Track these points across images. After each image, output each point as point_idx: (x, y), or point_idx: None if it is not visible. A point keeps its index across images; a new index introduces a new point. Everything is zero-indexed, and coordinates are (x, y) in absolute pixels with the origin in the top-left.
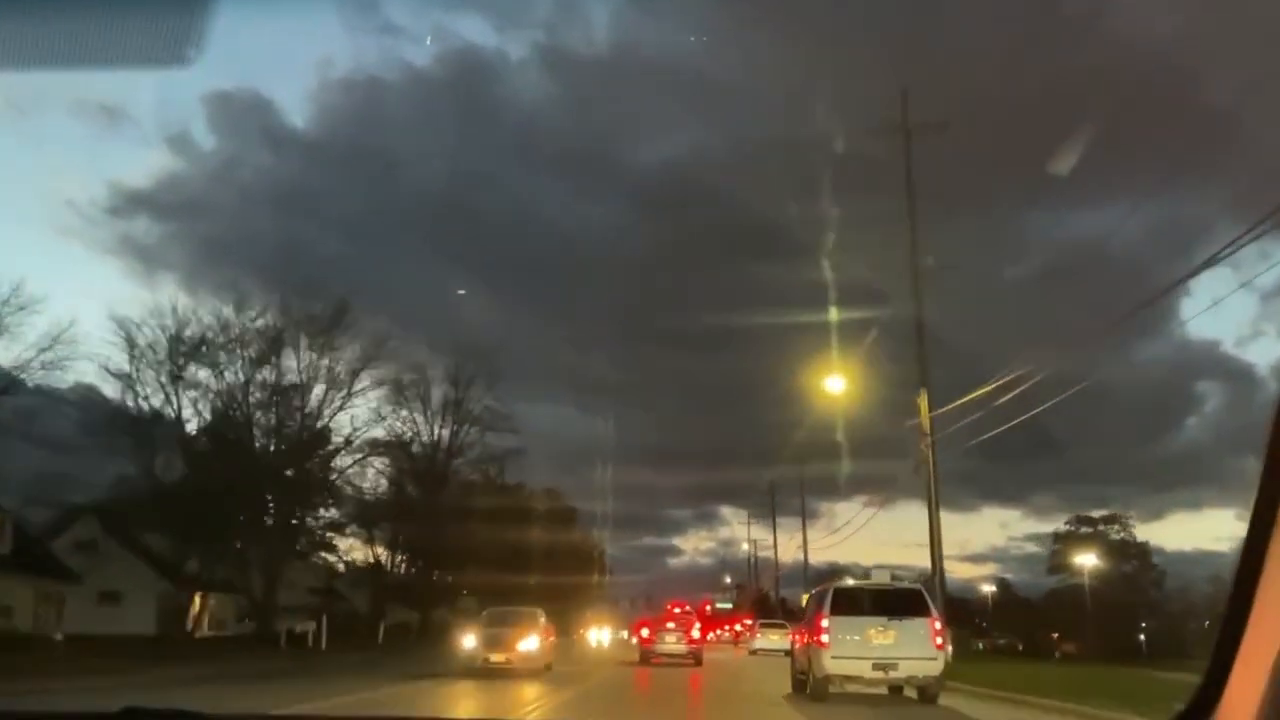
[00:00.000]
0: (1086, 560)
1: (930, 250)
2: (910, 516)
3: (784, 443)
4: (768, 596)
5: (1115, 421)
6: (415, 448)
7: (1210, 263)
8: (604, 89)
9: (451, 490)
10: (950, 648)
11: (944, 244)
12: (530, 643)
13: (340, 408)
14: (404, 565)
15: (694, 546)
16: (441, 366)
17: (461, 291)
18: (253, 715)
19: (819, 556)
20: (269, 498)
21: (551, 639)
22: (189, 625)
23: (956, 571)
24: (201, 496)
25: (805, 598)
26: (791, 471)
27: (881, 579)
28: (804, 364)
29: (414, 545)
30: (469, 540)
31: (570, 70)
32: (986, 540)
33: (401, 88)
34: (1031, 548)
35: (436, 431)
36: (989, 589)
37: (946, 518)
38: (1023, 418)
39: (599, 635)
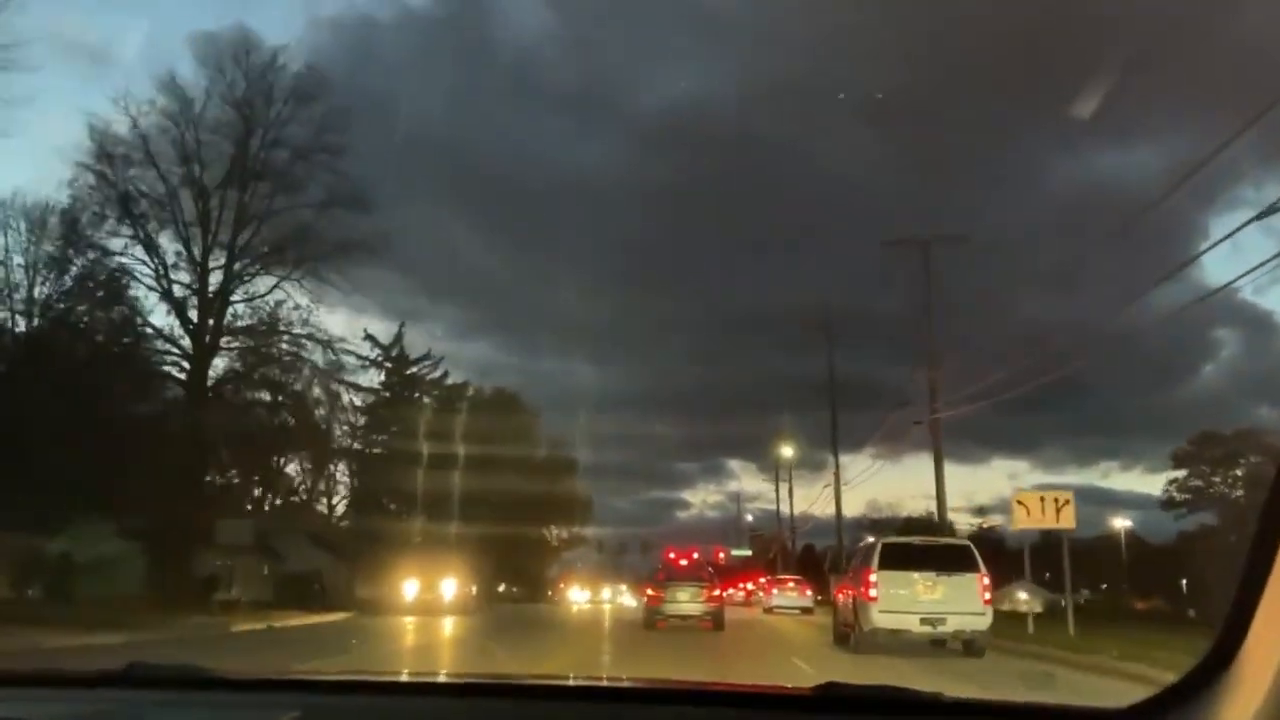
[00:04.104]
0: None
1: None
2: (918, 466)
3: (798, 392)
4: (786, 547)
5: (1127, 370)
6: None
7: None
8: (604, 27)
9: (251, 333)
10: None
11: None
12: None
13: None
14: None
15: (702, 500)
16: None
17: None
18: (266, 675)
19: (825, 509)
20: None
21: None
22: None
23: (963, 522)
24: None
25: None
26: (808, 419)
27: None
28: (814, 313)
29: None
30: (292, 436)
31: (569, 5)
32: (994, 491)
33: (395, 25)
34: None
35: (217, 210)
36: (1124, 523)
37: (954, 469)
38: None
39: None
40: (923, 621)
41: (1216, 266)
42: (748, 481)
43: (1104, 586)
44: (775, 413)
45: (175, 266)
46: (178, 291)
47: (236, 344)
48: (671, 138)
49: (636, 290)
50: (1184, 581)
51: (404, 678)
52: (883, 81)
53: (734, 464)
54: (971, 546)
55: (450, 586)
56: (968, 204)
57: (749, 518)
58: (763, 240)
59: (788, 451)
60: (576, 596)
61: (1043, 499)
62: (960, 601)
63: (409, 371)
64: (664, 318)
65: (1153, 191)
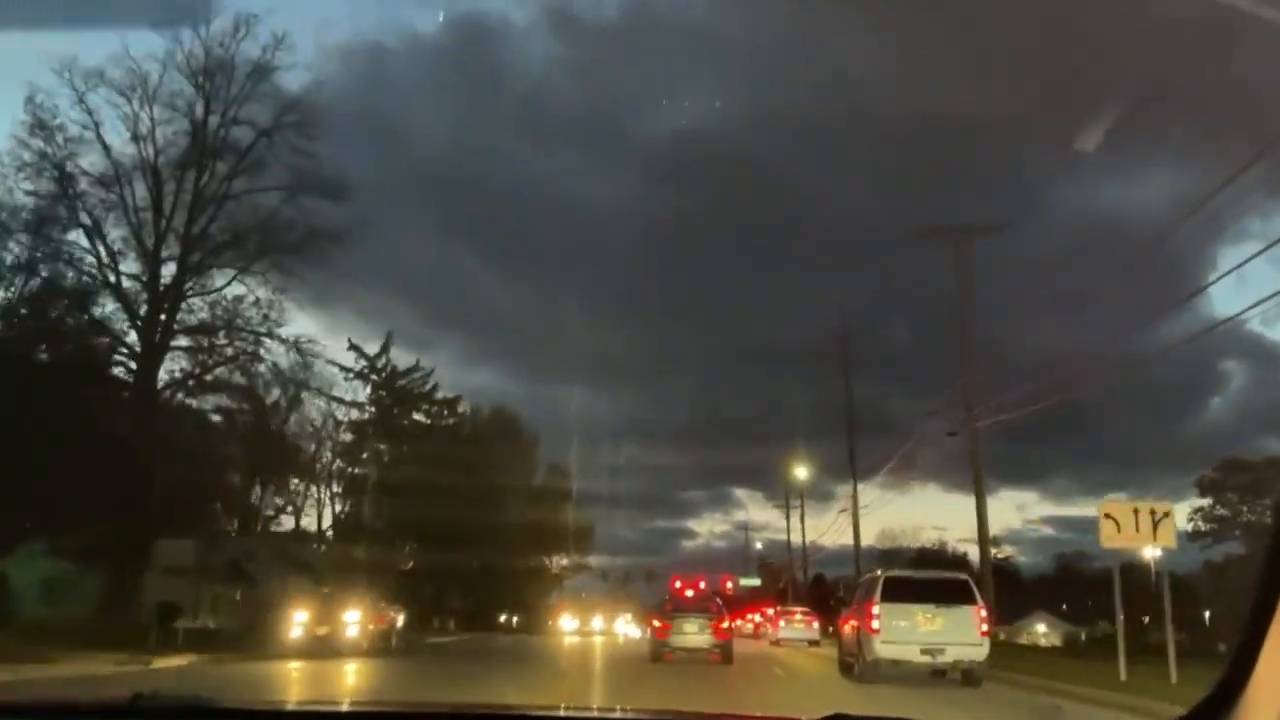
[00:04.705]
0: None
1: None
2: (927, 498)
3: (806, 420)
4: (796, 577)
5: (1136, 402)
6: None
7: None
8: (612, 54)
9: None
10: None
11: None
12: None
13: None
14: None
15: (709, 529)
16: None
17: None
18: (268, 706)
19: (835, 539)
20: None
21: None
22: None
23: (976, 553)
24: None
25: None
26: (815, 448)
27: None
28: (821, 344)
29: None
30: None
31: (578, 34)
32: (1003, 522)
33: (404, 54)
34: (1048, 530)
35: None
36: (1153, 553)
37: (961, 500)
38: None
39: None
40: (923, 652)
41: (1225, 298)
42: (755, 511)
43: (1121, 618)
44: (783, 441)
45: (122, 254)
46: (125, 284)
47: (190, 343)
48: (677, 166)
49: (642, 317)
50: (1207, 614)
51: (404, 708)
52: (890, 109)
53: (741, 493)
54: (969, 580)
55: (355, 618)
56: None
57: (758, 545)
58: (771, 268)
59: (802, 472)
60: (567, 626)
61: (1136, 511)
62: (959, 633)
63: (399, 384)
64: (670, 345)
65: (1159, 223)
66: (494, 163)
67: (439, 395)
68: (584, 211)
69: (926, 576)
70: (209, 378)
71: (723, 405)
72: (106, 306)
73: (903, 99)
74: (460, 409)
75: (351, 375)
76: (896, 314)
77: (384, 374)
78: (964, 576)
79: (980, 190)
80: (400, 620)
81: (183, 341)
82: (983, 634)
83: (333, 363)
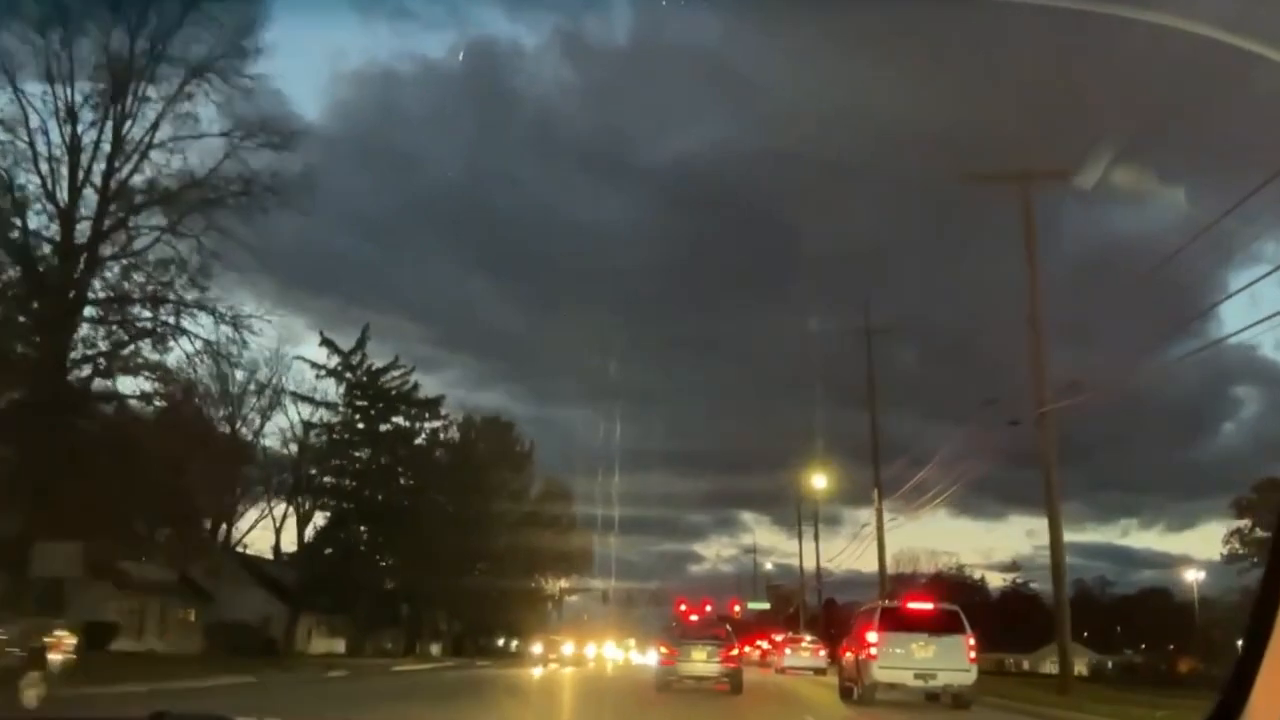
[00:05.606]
0: None
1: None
2: (937, 522)
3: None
4: (806, 602)
5: (1146, 427)
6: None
7: None
8: (622, 82)
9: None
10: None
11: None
12: None
13: None
14: None
15: (715, 553)
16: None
17: None
18: None
19: (842, 565)
20: None
21: None
22: None
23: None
24: None
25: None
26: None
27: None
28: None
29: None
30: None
31: (588, 62)
32: (1012, 548)
33: (416, 80)
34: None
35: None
36: (1195, 576)
37: (969, 525)
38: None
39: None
40: (916, 676)
41: (1236, 323)
42: (762, 535)
43: (1143, 646)
44: (792, 464)
45: (27, 207)
46: (30, 241)
47: (102, 314)
48: (689, 190)
49: (650, 340)
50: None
51: None
52: (901, 132)
53: (748, 516)
54: (960, 611)
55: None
56: (981, 252)
57: (768, 566)
58: (780, 290)
59: (820, 481)
60: (563, 652)
61: None
62: (949, 659)
63: (377, 383)
64: (678, 367)
65: (1168, 246)
66: (501, 187)
67: (419, 394)
68: (591, 235)
69: (921, 607)
70: (125, 352)
71: (731, 427)
72: (8, 269)
73: (913, 122)
74: (444, 412)
75: (324, 373)
76: (904, 342)
77: (359, 372)
78: (955, 607)
79: (988, 211)
80: (68, 647)
81: (97, 312)
82: (971, 660)
83: (302, 358)
